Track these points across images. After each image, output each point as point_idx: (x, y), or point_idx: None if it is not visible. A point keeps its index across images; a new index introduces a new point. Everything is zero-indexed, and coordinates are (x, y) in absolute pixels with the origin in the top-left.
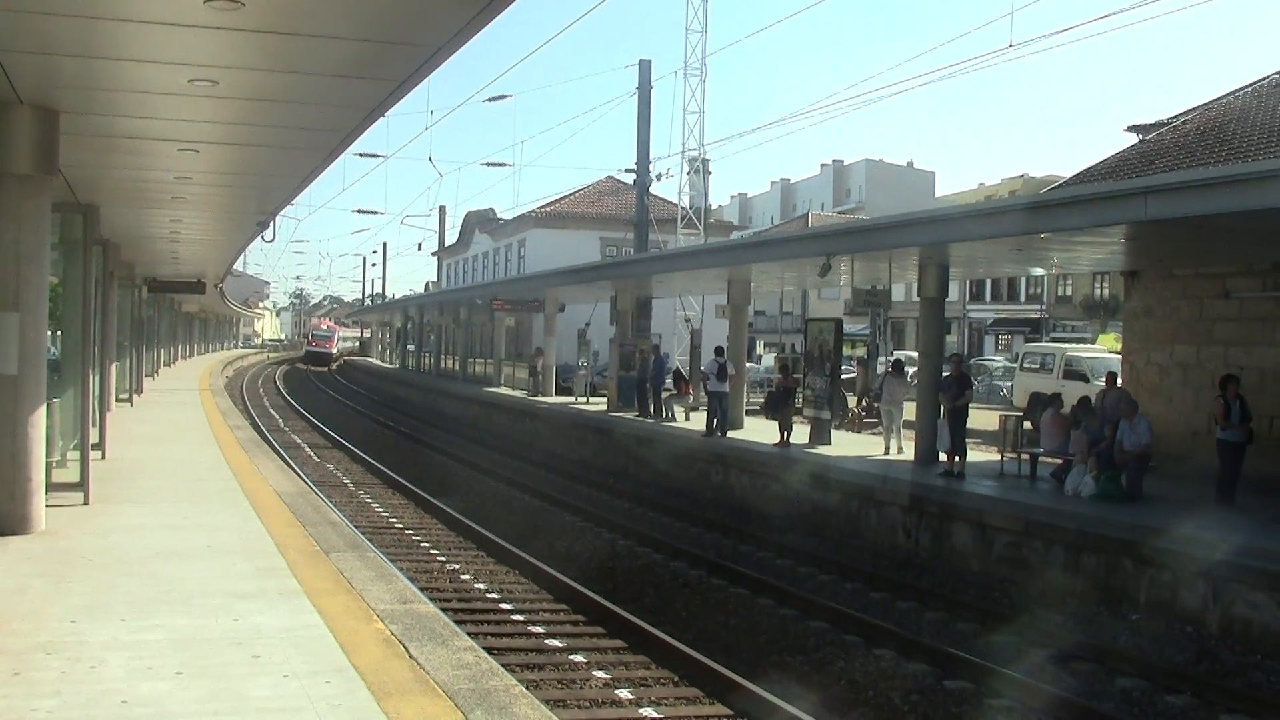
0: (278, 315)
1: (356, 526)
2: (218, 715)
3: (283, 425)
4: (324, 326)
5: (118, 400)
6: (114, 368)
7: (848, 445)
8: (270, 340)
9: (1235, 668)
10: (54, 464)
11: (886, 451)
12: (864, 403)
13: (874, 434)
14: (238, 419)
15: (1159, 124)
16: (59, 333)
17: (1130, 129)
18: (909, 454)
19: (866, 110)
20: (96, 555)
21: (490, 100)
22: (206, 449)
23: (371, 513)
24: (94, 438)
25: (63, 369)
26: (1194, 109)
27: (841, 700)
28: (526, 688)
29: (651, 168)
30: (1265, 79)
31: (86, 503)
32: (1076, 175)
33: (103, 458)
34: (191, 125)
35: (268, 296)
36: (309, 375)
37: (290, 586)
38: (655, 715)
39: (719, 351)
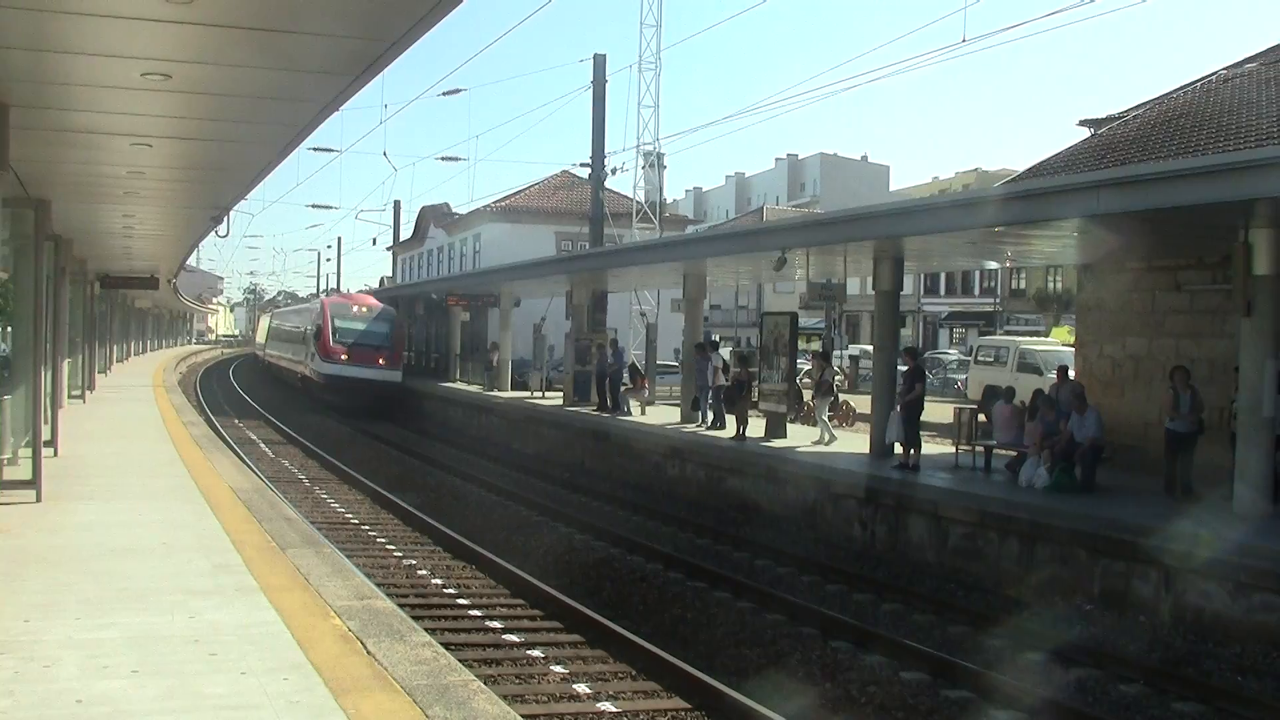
0: (231, 311)
1: (313, 523)
2: (174, 714)
3: (237, 421)
4: (363, 309)
5: (70, 397)
6: (66, 364)
7: (803, 438)
8: (224, 336)
9: (1188, 656)
10: (5, 461)
11: (820, 441)
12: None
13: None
14: (192, 415)
15: (1111, 118)
16: (9, 329)
17: (1082, 123)
18: (842, 445)
19: (821, 104)
20: (50, 553)
21: (445, 94)
22: (161, 446)
23: (328, 509)
24: (46, 435)
25: (13, 365)
26: (1145, 103)
27: (800, 694)
28: (485, 683)
29: (607, 162)
30: (1213, 74)
31: (39, 500)
32: (1029, 169)
33: (55, 455)
34: (144, 119)
35: (221, 292)
36: (263, 372)
37: (246, 583)
38: (613, 709)
39: (713, 346)
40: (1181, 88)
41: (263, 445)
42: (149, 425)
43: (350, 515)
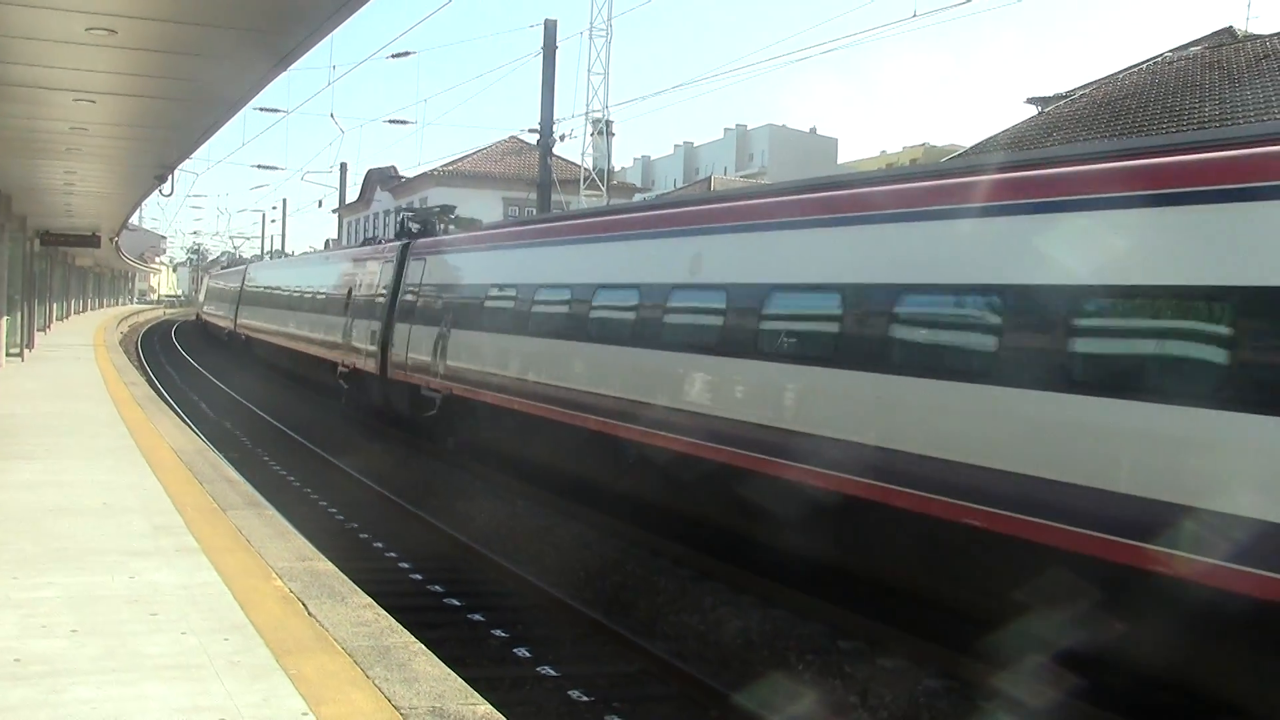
0: (174, 271)
1: (255, 485)
2: (114, 672)
3: (179, 382)
4: None
5: (8, 355)
6: (4, 321)
7: None
8: (167, 296)
9: None
10: None
11: None
12: None
13: None
14: (133, 375)
15: (1058, 96)
16: None
17: (1030, 101)
18: None
19: (771, 75)
20: None
21: (394, 57)
22: (101, 406)
23: (270, 471)
24: None
25: None
26: (1092, 83)
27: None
28: (426, 645)
29: (555, 128)
30: (1159, 57)
31: None
32: (976, 145)
33: None
34: (88, 75)
35: (164, 251)
36: (205, 330)
37: (188, 544)
38: (553, 673)
39: None
40: (1129, 68)
41: (204, 406)
42: (90, 385)
43: (292, 478)
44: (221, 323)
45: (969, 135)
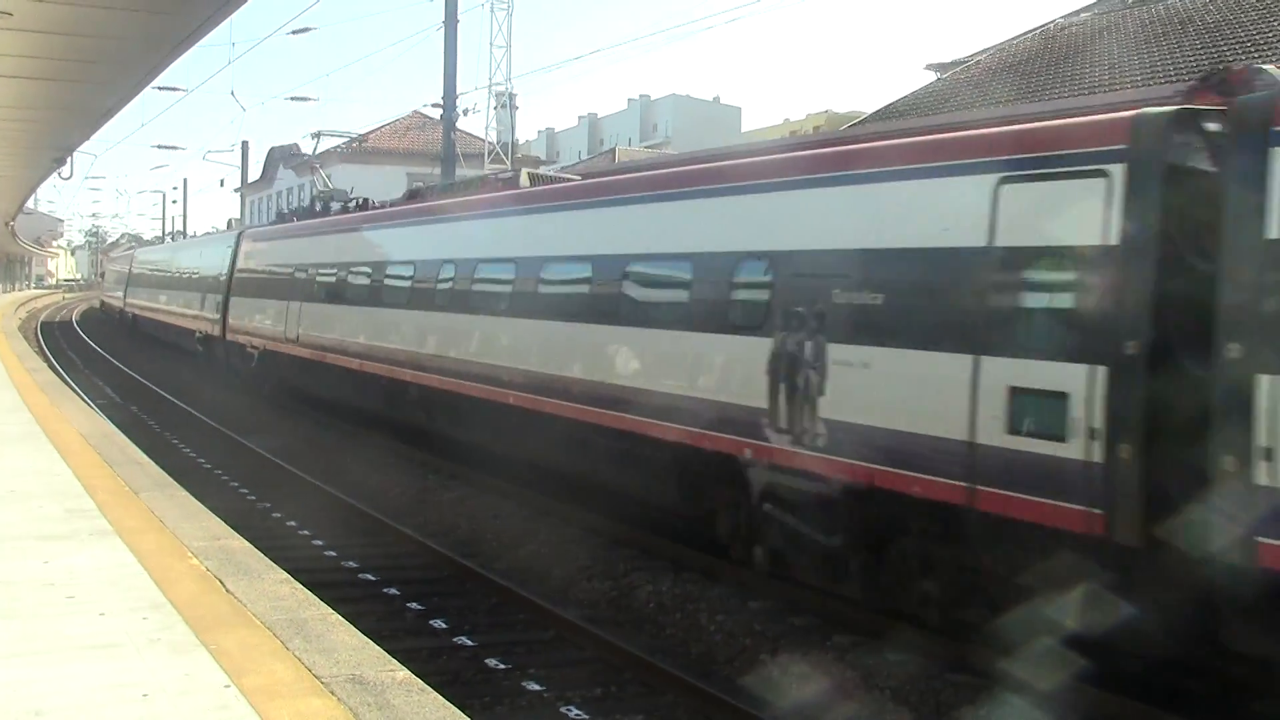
0: (73, 254)
1: (164, 467)
2: (34, 655)
3: (82, 368)
4: None
5: None
6: None
7: None
8: (66, 280)
9: None
10: None
11: None
12: None
13: None
14: (35, 362)
15: (956, 63)
16: None
17: (929, 67)
18: None
19: (675, 46)
20: None
21: (295, 33)
22: (4, 392)
23: (179, 454)
24: None
25: None
26: (989, 49)
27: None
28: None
29: (459, 102)
30: (1051, 23)
31: None
32: (875, 112)
33: None
34: None
35: (62, 235)
36: (106, 315)
37: (101, 527)
38: (470, 642)
39: None
40: (1024, 34)
41: (110, 391)
42: None
43: (202, 459)
44: (115, 303)
45: (872, 101)
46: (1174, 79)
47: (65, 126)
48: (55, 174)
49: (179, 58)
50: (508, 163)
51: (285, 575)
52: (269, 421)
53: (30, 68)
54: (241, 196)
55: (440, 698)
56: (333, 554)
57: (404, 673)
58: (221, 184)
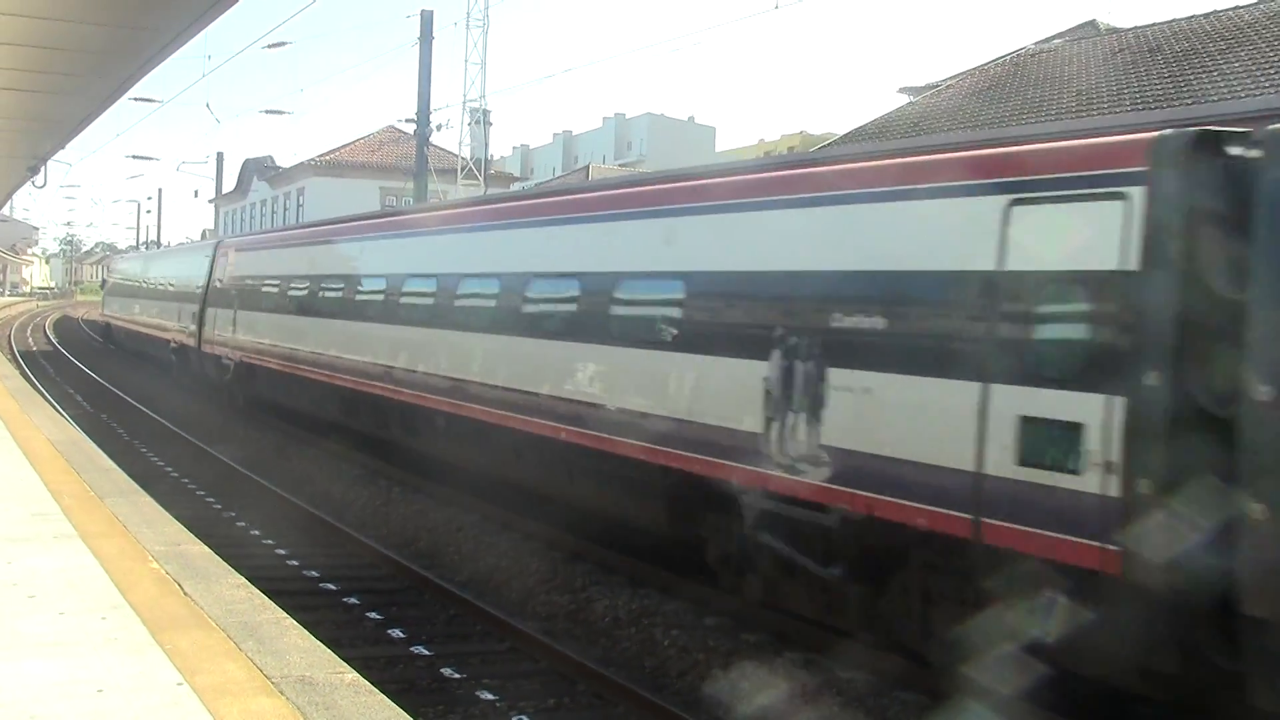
0: (47, 262)
1: (131, 474)
2: None
3: (53, 375)
4: None
5: None
6: None
7: None
8: (40, 288)
9: None
10: None
11: None
12: None
13: None
14: (6, 368)
15: (929, 86)
16: None
17: (902, 90)
18: None
19: (650, 64)
20: None
21: (270, 47)
22: None
23: (146, 462)
24: None
25: None
26: (962, 73)
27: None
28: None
29: (432, 118)
30: (1023, 49)
31: None
32: (846, 134)
33: None
34: None
35: (37, 243)
36: (81, 323)
37: (65, 530)
38: (426, 651)
39: None
40: (995, 60)
41: (80, 399)
42: None
43: (169, 468)
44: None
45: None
46: (1141, 105)
47: (38, 136)
48: (30, 182)
49: (152, 70)
50: (481, 179)
51: (242, 580)
52: (238, 432)
53: (4, 79)
54: (216, 207)
55: (386, 699)
56: (295, 563)
57: (352, 675)
58: (196, 195)
